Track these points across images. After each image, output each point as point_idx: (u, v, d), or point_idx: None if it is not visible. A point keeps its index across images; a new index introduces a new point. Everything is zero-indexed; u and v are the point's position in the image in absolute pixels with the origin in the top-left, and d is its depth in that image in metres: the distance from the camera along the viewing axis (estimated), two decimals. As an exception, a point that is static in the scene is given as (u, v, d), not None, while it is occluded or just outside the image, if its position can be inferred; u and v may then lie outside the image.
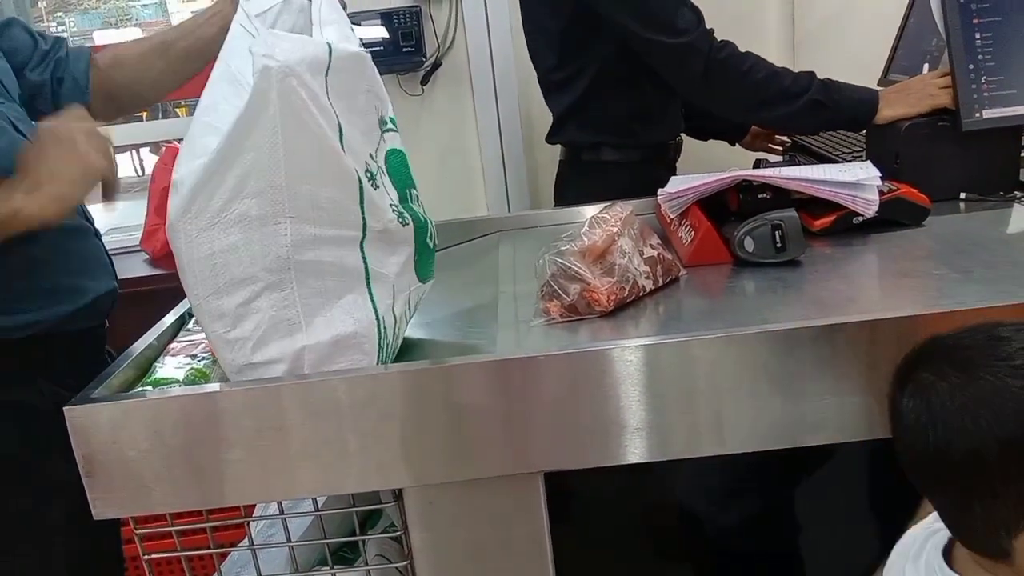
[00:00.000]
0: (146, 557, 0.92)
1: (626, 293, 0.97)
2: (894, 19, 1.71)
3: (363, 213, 0.85)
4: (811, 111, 1.37)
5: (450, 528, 0.88)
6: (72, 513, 0.88)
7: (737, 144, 1.87)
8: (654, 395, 0.81)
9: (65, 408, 0.83)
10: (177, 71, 1.21)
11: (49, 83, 1.14)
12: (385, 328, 0.88)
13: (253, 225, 0.81)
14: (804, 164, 1.53)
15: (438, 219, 1.44)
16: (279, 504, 0.92)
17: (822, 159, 1.64)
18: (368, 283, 0.87)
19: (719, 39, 1.40)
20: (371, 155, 0.89)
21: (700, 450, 0.82)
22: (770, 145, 1.85)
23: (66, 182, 0.89)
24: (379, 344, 0.87)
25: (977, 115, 1.22)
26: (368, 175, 0.86)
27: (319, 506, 0.94)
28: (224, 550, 0.94)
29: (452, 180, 2.32)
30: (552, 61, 1.57)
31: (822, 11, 2.14)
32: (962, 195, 1.26)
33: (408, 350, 1.00)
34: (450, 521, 0.88)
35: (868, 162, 1.25)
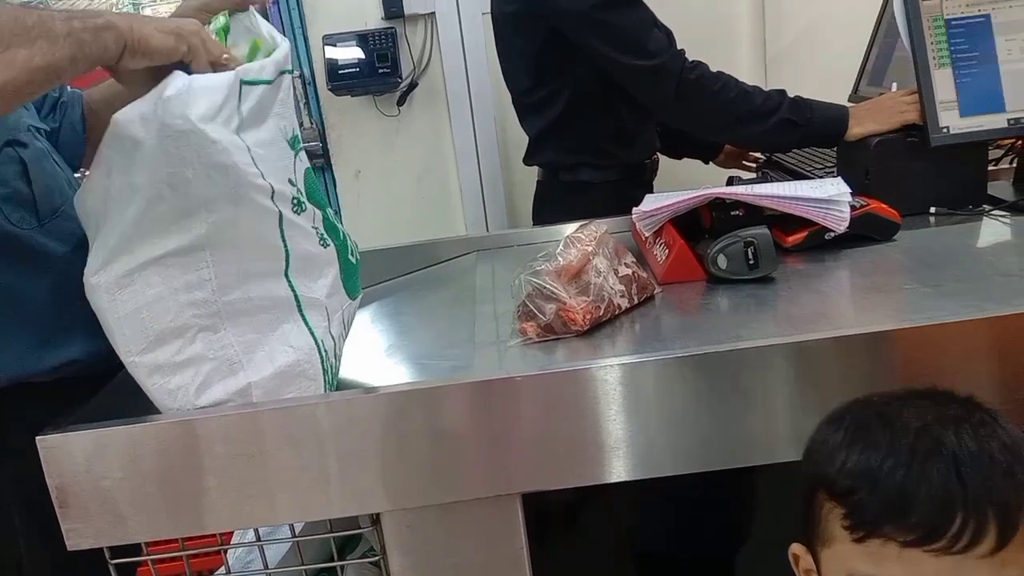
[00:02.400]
0: (122, 587, 0.90)
1: (602, 312, 0.98)
2: (863, 35, 1.74)
3: (284, 242, 0.84)
4: (783, 129, 1.39)
5: (429, 551, 0.88)
6: None
7: (711, 162, 1.90)
8: (630, 414, 0.81)
9: (38, 438, 0.82)
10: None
11: (57, 132, 1.08)
12: (326, 351, 0.88)
13: (175, 272, 0.80)
14: (777, 181, 1.55)
15: (415, 239, 1.46)
16: (256, 531, 0.91)
17: (795, 175, 1.66)
18: (300, 310, 0.87)
19: (691, 60, 1.42)
20: (290, 180, 0.88)
21: (677, 468, 0.83)
22: (744, 163, 1.87)
23: (158, 27, 0.82)
24: (323, 367, 0.87)
25: (944, 130, 1.24)
26: (294, 201, 0.86)
27: (296, 532, 0.93)
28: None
29: (429, 200, 2.33)
30: (527, 84, 1.58)
31: (792, 29, 2.18)
32: (932, 209, 1.28)
33: (382, 372, 1.00)
34: (428, 544, 0.88)
35: (839, 178, 1.27)
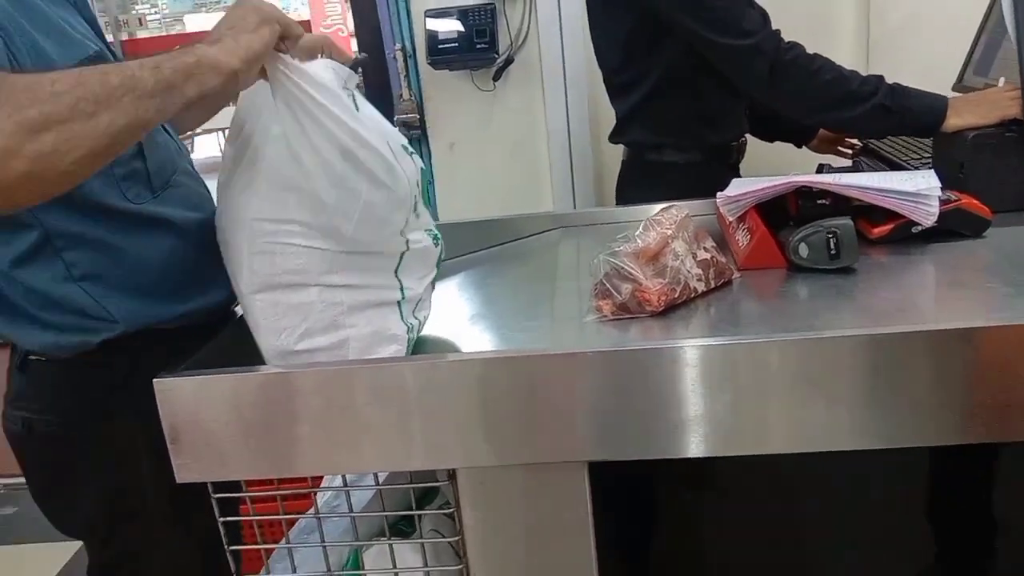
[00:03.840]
0: (221, 520, 1.00)
1: (677, 294, 1.01)
2: (973, 22, 1.68)
3: (406, 240, 0.97)
4: (877, 115, 1.38)
5: (500, 509, 0.94)
6: None
7: (804, 147, 1.87)
8: (695, 394, 0.85)
9: (154, 380, 0.92)
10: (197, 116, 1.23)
11: None
12: (411, 327, 1.00)
13: (313, 234, 0.92)
14: (868, 171, 1.53)
15: (504, 213, 1.51)
16: (343, 477, 0.99)
17: (890, 164, 1.63)
18: (400, 303, 0.98)
19: (787, 40, 1.41)
20: (416, 182, 0.99)
21: (737, 449, 0.86)
22: (839, 148, 1.84)
23: (245, 30, 0.88)
24: (408, 341, 0.99)
25: (1047, 126, 1.21)
26: (415, 201, 0.97)
27: (380, 482, 1.00)
28: (292, 516, 1.02)
29: (520, 175, 2.37)
30: (617, 63, 1.60)
31: (899, 12, 2.11)
32: (1028, 207, 1.25)
33: (465, 338, 1.06)
34: (500, 502, 0.94)
35: (931, 171, 1.25)
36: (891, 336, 0.81)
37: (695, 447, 0.87)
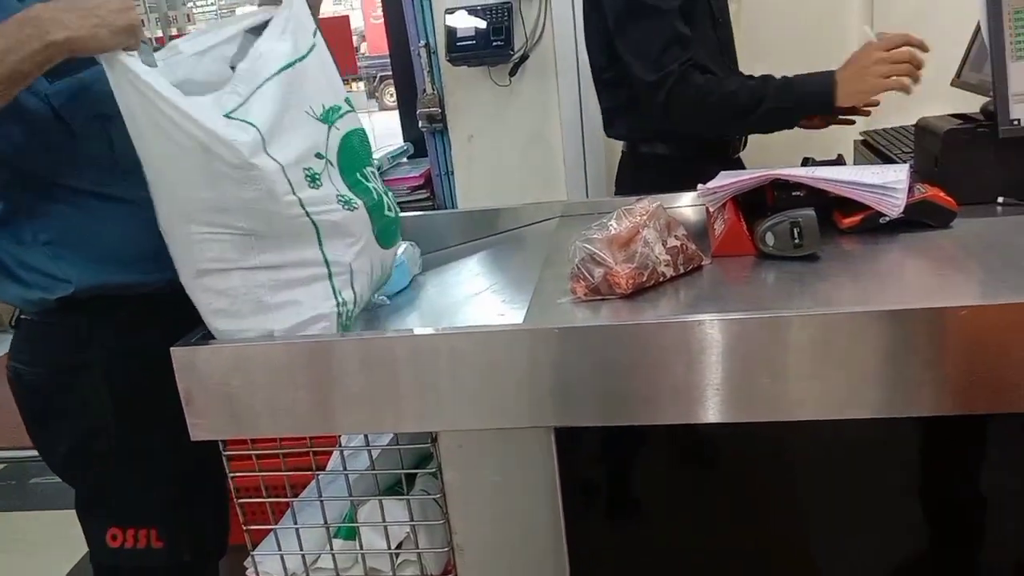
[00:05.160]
0: (231, 475, 1.12)
1: (645, 278, 1.09)
2: (973, 20, 1.72)
3: (311, 219, 1.02)
4: (773, 117, 1.54)
5: (476, 469, 1.04)
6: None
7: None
8: (649, 367, 0.94)
9: (172, 349, 1.04)
10: None
11: None
12: (344, 303, 1.07)
13: (225, 220, 1.01)
14: (848, 165, 1.58)
15: (519, 202, 1.60)
16: (339, 439, 1.10)
17: (883, 157, 1.69)
18: (330, 277, 1.05)
19: (687, 73, 1.51)
20: (317, 154, 1.04)
21: (692, 417, 0.94)
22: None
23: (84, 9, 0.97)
24: (339, 318, 1.07)
25: (1016, 122, 1.26)
26: (308, 178, 1.02)
27: (378, 446, 1.11)
28: (292, 472, 1.13)
29: (534, 168, 2.46)
30: (603, 60, 1.68)
31: (901, 11, 2.14)
32: (1000, 199, 1.30)
33: (451, 316, 1.16)
34: (476, 463, 1.04)
35: (906, 165, 1.31)
36: (822, 317, 0.89)
37: (653, 415, 0.96)
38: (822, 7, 2.22)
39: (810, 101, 1.52)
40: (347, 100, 1.12)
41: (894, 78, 1.46)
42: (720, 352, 0.92)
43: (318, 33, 1.12)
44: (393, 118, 3.26)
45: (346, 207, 1.06)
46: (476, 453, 1.03)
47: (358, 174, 1.10)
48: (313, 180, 1.03)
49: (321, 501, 1.11)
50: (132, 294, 1.16)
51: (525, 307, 1.11)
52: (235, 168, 0.96)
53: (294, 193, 1.00)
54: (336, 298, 1.06)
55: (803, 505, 1.03)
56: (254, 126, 0.98)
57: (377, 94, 10.96)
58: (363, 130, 1.14)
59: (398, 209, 1.17)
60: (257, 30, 1.11)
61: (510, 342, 0.97)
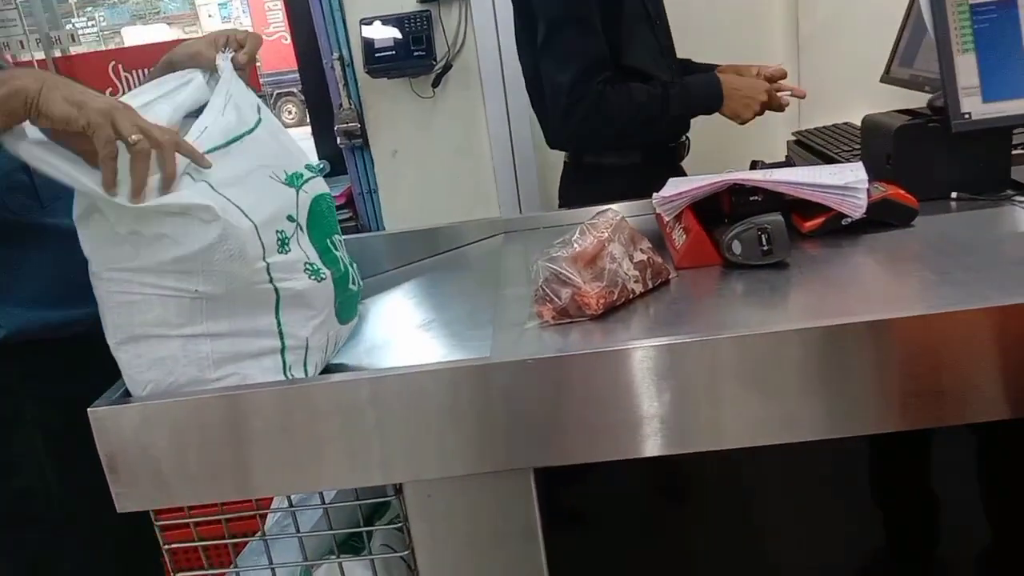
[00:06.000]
0: (166, 547, 0.98)
1: (615, 296, 1.02)
2: (898, 15, 1.73)
3: (273, 284, 0.91)
4: (675, 123, 1.66)
5: (448, 520, 0.94)
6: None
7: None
8: (635, 396, 0.86)
9: (89, 410, 0.90)
10: None
11: None
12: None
13: (168, 282, 0.88)
14: (798, 166, 1.56)
15: (450, 219, 1.50)
16: (288, 498, 0.98)
17: (823, 157, 1.67)
18: (283, 352, 0.94)
19: (604, 93, 1.52)
20: (289, 216, 0.95)
21: (679, 447, 0.87)
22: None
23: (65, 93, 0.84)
24: None
25: (966, 116, 1.25)
26: (279, 242, 0.92)
27: (327, 499, 1.00)
28: (238, 540, 1.01)
29: (464, 181, 2.38)
30: (535, 70, 1.62)
31: (826, 7, 2.16)
32: (953, 195, 1.29)
33: (408, 351, 1.06)
34: (448, 514, 0.94)
35: (860, 164, 1.28)
36: (822, 330, 0.83)
37: (638, 448, 0.88)
38: (746, 7, 2.22)
39: (701, 108, 1.65)
40: (308, 167, 1.02)
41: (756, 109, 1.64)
42: (717, 374, 0.85)
43: (262, 108, 1.02)
44: (297, 136, 3.13)
45: (312, 277, 0.95)
46: (448, 503, 0.93)
47: (328, 241, 1.01)
48: (283, 244, 0.92)
49: (272, 568, 0.99)
50: (68, 334, 1.02)
51: (485, 336, 1.02)
52: (205, 224, 0.84)
53: (264, 258, 0.89)
54: (285, 375, 0.95)
55: (815, 539, 0.97)
56: (214, 190, 0.88)
57: (274, 112, 10.67)
58: (330, 196, 1.05)
59: (361, 283, 1.07)
60: (195, 113, 0.99)
61: (480, 378, 0.87)
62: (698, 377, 0.86)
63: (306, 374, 0.97)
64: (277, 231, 0.92)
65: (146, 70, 2.80)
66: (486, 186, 2.37)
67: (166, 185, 0.85)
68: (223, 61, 1.03)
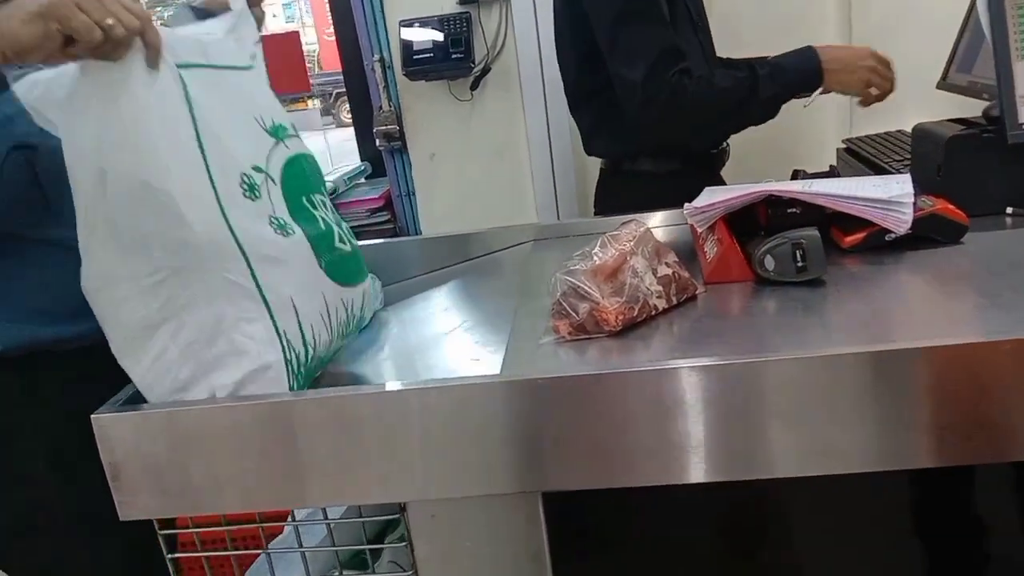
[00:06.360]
0: (169, 556, 0.97)
1: (635, 312, 0.97)
2: (955, 17, 1.64)
3: (234, 233, 0.85)
4: (770, 105, 1.49)
5: (452, 541, 0.90)
6: None
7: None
8: (650, 419, 0.81)
9: (92, 416, 0.89)
10: None
11: None
12: (295, 353, 0.91)
13: (139, 271, 0.86)
14: (843, 176, 1.49)
15: (486, 223, 1.47)
16: (292, 513, 0.95)
17: (871, 166, 1.59)
18: (271, 315, 0.89)
19: (684, 80, 1.42)
20: (256, 167, 0.89)
21: (697, 476, 0.82)
22: None
23: (16, 18, 0.76)
24: (288, 371, 0.91)
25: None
26: (245, 188, 0.86)
27: (339, 515, 0.97)
28: (241, 552, 0.99)
29: (502, 185, 2.34)
30: (581, 71, 1.57)
31: (881, 9, 2.06)
32: (1008, 210, 1.21)
33: (423, 362, 1.03)
34: (453, 535, 0.90)
35: (907, 175, 1.21)
36: (849, 356, 0.77)
37: (652, 476, 0.83)
38: (798, 8, 2.13)
39: (797, 84, 1.47)
40: (292, 126, 0.98)
41: (873, 89, 1.49)
42: (736, 400, 0.79)
43: (258, 56, 0.98)
44: (343, 137, 3.13)
45: (279, 230, 0.89)
46: (452, 524, 0.90)
47: (304, 199, 0.95)
48: (252, 190, 0.87)
49: (276, 583, 0.97)
50: (70, 348, 1.01)
51: (501, 348, 0.98)
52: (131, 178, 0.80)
53: (219, 204, 0.84)
54: (281, 341, 0.90)
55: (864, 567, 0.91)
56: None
57: (333, 111, 10.79)
58: (313, 159, 1.00)
59: (355, 243, 1.02)
60: (200, 12, 0.97)
61: (488, 396, 0.83)
62: (717, 402, 0.80)
63: (305, 341, 0.92)
64: (243, 175, 0.87)
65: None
66: (524, 191, 2.32)
67: (153, 60, 0.80)
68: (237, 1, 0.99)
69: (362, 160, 2.86)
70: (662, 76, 1.41)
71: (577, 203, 2.28)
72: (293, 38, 3.53)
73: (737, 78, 1.45)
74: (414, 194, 2.43)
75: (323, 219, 0.96)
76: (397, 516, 0.93)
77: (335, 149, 3.74)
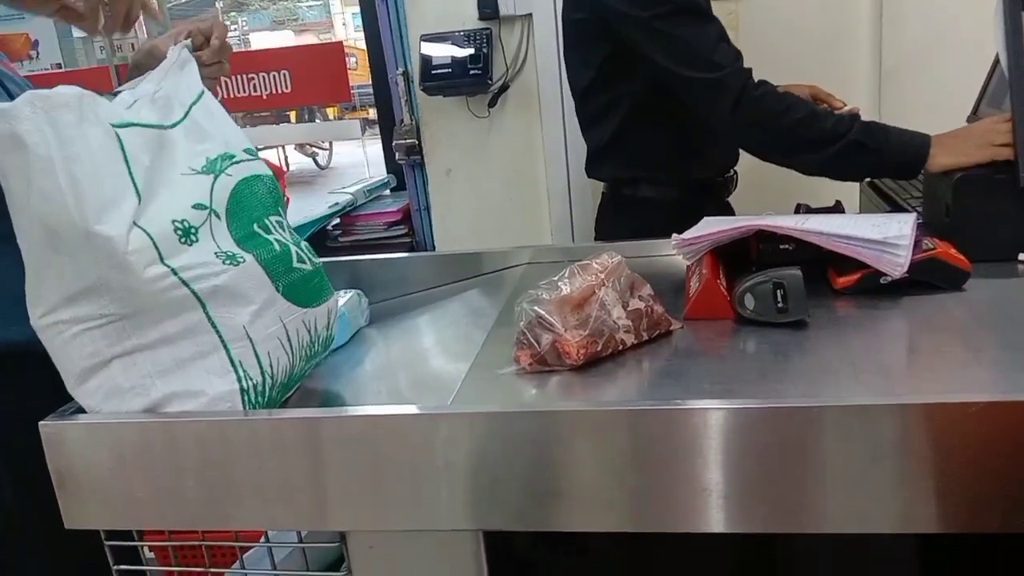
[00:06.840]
0: (115, 567, 0.95)
1: (599, 347, 0.93)
2: (987, 50, 1.56)
3: (187, 285, 0.85)
4: (852, 153, 1.28)
5: (391, 574, 0.87)
6: None
7: None
8: (591, 462, 0.77)
9: (40, 424, 0.88)
10: None
11: None
12: (250, 383, 0.89)
13: (86, 310, 0.85)
14: (849, 211, 1.42)
15: (499, 244, 1.44)
16: (235, 534, 0.93)
17: (890, 202, 1.52)
18: (226, 348, 0.87)
19: (757, 79, 1.33)
20: (196, 205, 0.88)
21: (621, 524, 0.78)
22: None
23: None
24: (244, 400, 0.88)
25: (1039, 170, 1.10)
26: (181, 236, 0.85)
27: (302, 539, 0.95)
28: (184, 569, 0.97)
29: (517, 203, 2.31)
30: (590, 91, 1.53)
31: (911, 39, 1.99)
32: (1021, 256, 1.14)
33: (370, 390, 1.00)
34: (390, 568, 0.87)
35: (912, 215, 1.15)
36: (795, 410, 0.72)
37: (595, 521, 0.79)
38: (828, 38, 2.07)
39: (899, 150, 1.27)
40: (247, 150, 0.97)
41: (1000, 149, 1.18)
42: (679, 446, 0.75)
43: (204, 97, 0.98)
44: (370, 149, 3.14)
45: (228, 262, 0.88)
46: (391, 556, 0.87)
47: (255, 225, 0.93)
48: (187, 235, 0.86)
49: (217, 605, 0.95)
50: (21, 352, 1.00)
51: (457, 379, 0.95)
52: (81, 238, 0.81)
53: (162, 261, 0.83)
54: (236, 371, 0.88)
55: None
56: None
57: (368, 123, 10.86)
58: (269, 177, 0.97)
59: (316, 261, 1.00)
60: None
61: (428, 428, 0.80)
62: (662, 448, 0.76)
63: (261, 368, 0.90)
64: (175, 222, 0.85)
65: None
66: (539, 210, 2.29)
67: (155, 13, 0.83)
68: (173, 52, 1.01)
69: (388, 172, 2.87)
70: (725, 65, 1.33)
71: (593, 226, 2.24)
72: (336, 48, 3.58)
73: (828, 111, 1.34)
74: (428, 208, 2.42)
75: (278, 241, 0.94)
76: (328, 545, 0.91)
77: (375, 159, 3.77)
